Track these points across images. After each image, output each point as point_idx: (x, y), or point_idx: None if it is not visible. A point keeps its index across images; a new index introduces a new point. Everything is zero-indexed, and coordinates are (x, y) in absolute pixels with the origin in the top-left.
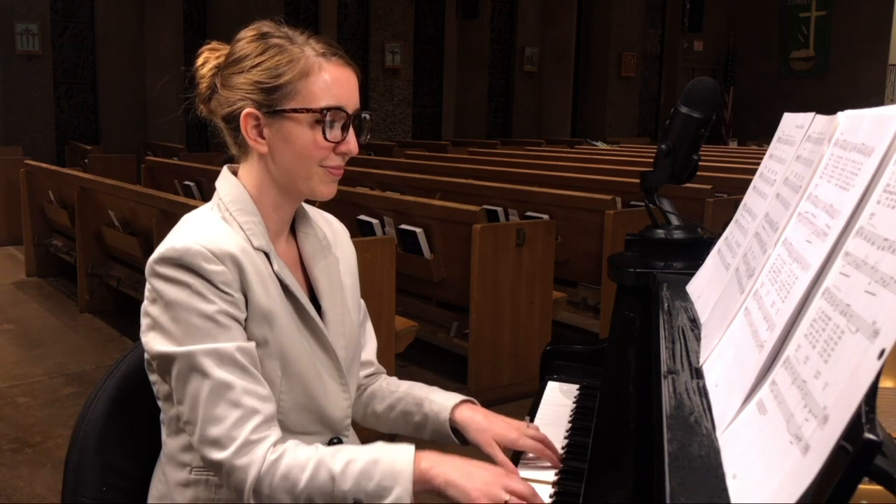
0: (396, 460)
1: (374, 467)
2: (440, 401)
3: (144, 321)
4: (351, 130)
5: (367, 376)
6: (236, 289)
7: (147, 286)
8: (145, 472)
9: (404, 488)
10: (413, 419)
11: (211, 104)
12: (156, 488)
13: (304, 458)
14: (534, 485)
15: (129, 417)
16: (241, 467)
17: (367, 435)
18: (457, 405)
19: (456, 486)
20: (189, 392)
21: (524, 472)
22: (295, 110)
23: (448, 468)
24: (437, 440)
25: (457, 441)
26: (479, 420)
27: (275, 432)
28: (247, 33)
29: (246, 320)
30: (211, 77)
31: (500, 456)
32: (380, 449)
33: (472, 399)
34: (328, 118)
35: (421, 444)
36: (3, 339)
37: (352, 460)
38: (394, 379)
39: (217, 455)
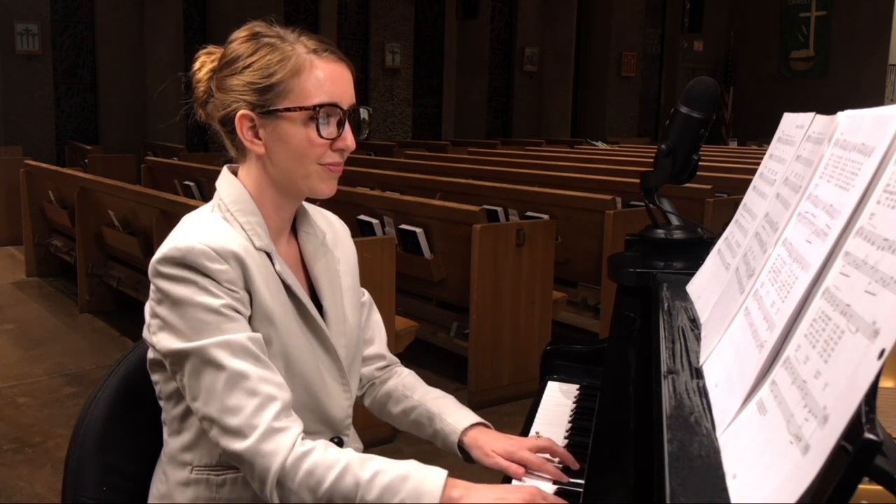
0: (426, 481)
1: (402, 483)
2: (451, 422)
3: (153, 322)
4: (347, 126)
5: (381, 369)
6: (240, 286)
7: (151, 287)
8: (146, 472)
9: None
10: (425, 430)
11: (208, 108)
12: (156, 488)
13: (332, 459)
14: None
15: (129, 417)
16: (265, 454)
17: (373, 433)
18: (466, 430)
19: None
20: (204, 386)
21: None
22: (288, 109)
23: (480, 495)
24: (445, 453)
25: (464, 460)
26: (483, 439)
27: (298, 423)
28: (239, 34)
29: (250, 319)
30: (207, 81)
31: (501, 461)
32: (411, 466)
33: (484, 422)
34: (322, 115)
35: (441, 461)
36: (3, 339)
37: (380, 472)
38: (409, 376)
39: (239, 445)
